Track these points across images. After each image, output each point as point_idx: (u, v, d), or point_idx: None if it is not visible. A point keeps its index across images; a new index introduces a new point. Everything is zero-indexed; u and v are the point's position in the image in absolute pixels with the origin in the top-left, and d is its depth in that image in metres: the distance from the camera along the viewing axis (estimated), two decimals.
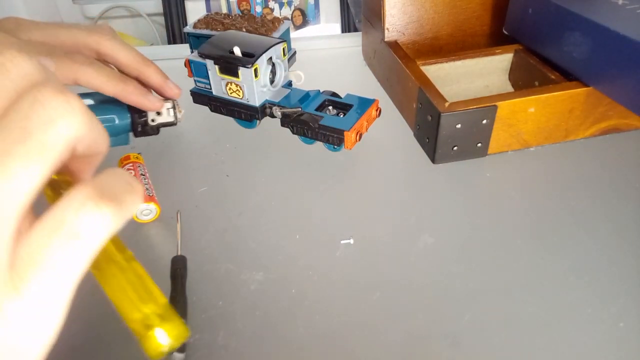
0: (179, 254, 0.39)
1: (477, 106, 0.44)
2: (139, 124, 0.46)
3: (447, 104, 0.45)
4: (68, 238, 0.14)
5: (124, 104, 0.46)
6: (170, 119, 0.47)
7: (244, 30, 0.55)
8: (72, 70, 0.36)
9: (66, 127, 0.14)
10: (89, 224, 0.14)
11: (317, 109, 0.48)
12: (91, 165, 0.19)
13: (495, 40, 0.60)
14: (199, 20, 0.58)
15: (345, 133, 0.44)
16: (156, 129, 0.49)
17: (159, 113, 0.47)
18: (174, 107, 0.47)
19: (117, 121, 0.46)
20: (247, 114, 0.50)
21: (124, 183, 0.16)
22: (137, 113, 0.46)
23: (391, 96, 0.59)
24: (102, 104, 0.46)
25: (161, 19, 0.87)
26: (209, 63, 0.48)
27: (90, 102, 0.46)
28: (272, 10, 0.85)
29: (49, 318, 0.15)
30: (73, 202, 0.14)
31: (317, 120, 0.46)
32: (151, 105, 0.43)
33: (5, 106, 0.14)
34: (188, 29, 0.57)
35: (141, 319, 0.17)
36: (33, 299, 0.14)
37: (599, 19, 0.43)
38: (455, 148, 0.47)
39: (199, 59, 0.48)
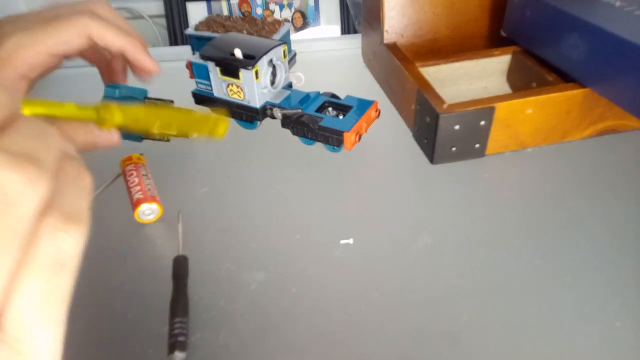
0: (180, 254, 0.39)
1: (475, 107, 0.45)
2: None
3: (445, 106, 0.45)
4: (54, 273, 0.14)
5: (140, 104, 0.47)
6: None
7: (244, 32, 0.56)
8: (84, 26, 0.38)
9: (32, 197, 0.14)
10: (66, 251, 0.15)
11: (317, 110, 0.48)
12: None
13: (494, 42, 0.61)
14: (200, 22, 0.58)
15: (344, 134, 0.45)
16: (163, 136, 0.49)
17: None
18: None
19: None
20: (247, 115, 0.50)
21: (75, 187, 0.16)
22: None
23: (390, 97, 0.59)
24: (122, 98, 0.47)
25: (163, 21, 0.87)
26: (210, 65, 0.48)
27: (114, 94, 0.47)
28: (272, 12, 0.85)
29: (55, 358, 0.15)
30: (43, 237, 0.14)
31: (317, 121, 0.46)
32: (152, 65, 0.43)
33: None
34: (189, 30, 0.58)
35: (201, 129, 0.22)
36: (37, 350, 0.14)
37: (596, 20, 0.44)
38: (453, 149, 0.47)
39: (201, 61, 0.49)
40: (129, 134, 0.50)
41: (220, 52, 0.48)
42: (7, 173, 0.13)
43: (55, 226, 0.15)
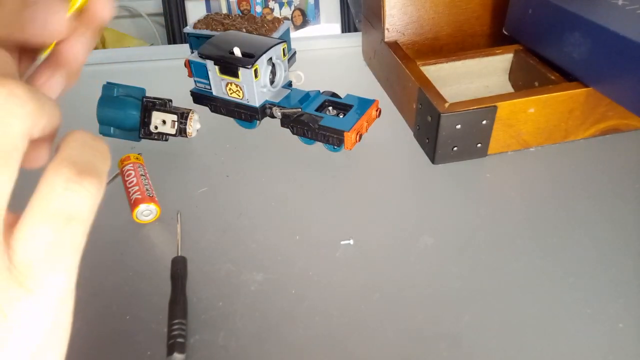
0: (179, 254, 0.39)
1: (477, 107, 0.45)
2: (145, 125, 0.48)
3: (447, 105, 0.45)
4: (65, 224, 0.14)
5: (138, 103, 0.48)
6: (172, 131, 0.49)
7: (244, 30, 0.56)
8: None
9: (19, 122, 0.14)
10: (78, 203, 0.15)
11: (317, 110, 0.48)
12: (49, 143, 0.18)
13: (496, 40, 0.60)
14: (199, 21, 0.58)
15: (345, 134, 0.44)
16: (161, 136, 0.50)
17: (164, 122, 0.48)
18: (179, 120, 0.48)
19: (126, 117, 0.47)
20: (247, 115, 0.50)
21: (90, 149, 0.16)
22: (147, 111, 0.48)
23: (391, 96, 0.59)
24: (120, 97, 0.47)
25: (161, 19, 0.87)
26: (209, 63, 0.48)
27: (112, 93, 0.47)
28: (272, 10, 0.85)
29: (63, 302, 0.15)
30: (56, 187, 0.14)
31: (317, 120, 0.46)
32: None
33: None
34: (188, 29, 0.57)
35: None
36: (46, 291, 0.14)
37: (598, 19, 0.43)
38: (455, 148, 0.47)
39: (199, 60, 0.48)
40: (126, 134, 0.50)
41: (219, 50, 0.47)
42: None
43: (68, 177, 0.14)
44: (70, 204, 0.14)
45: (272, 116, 0.49)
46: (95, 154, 0.16)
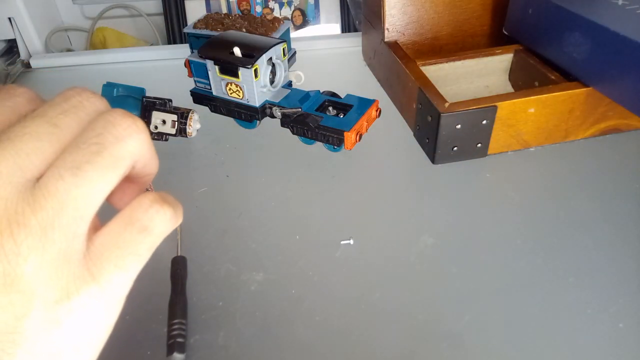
0: (179, 254, 0.39)
1: (477, 106, 0.44)
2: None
3: (447, 105, 0.45)
4: (138, 231, 0.17)
5: (138, 103, 0.47)
6: (172, 131, 0.49)
7: (244, 30, 0.55)
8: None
9: (133, 143, 0.17)
10: (155, 219, 0.17)
11: (317, 110, 0.48)
12: (142, 186, 0.21)
13: (496, 40, 0.60)
14: (198, 21, 0.58)
15: (345, 133, 0.44)
16: (161, 136, 0.50)
17: (164, 122, 0.48)
18: (179, 120, 0.48)
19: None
20: (247, 115, 0.50)
21: (172, 198, 0.19)
22: (147, 111, 0.48)
23: (391, 96, 0.59)
24: (120, 97, 0.47)
25: (161, 19, 0.87)
26: (209, 63, 0.48)
27: (112, 93, 0.47)
28: (272, 10, 0.85)
29: (117, 304, 0.17)
30: (142, 203, 0.17)
31: (317, 120, 0.46)
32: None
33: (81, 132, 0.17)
34: (188, 29, 0.57)
35: None
36: (107, 285, 0.16)
37: (599, 19, 0.43)
38: (455, 148, 0.47)
39: (199, 59, 0.48)
40: None
41: (219, 50, 0.47)
42: (124, 119, 0.17)
43: (154, 198, 0.18)
44: (148, 218, 0.17)
45: (272, 116, 0.49)
46: (177, 202, 0.19)
